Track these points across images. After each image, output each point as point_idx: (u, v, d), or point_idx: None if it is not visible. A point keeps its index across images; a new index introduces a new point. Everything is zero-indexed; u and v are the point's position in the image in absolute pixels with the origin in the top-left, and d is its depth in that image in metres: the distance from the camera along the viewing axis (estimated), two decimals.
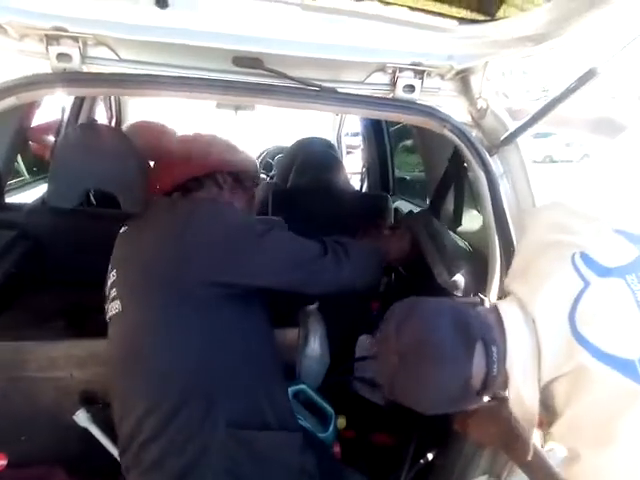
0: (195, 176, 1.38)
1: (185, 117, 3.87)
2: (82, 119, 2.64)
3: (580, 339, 0.83)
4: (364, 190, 3.35)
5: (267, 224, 1.26)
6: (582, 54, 1.17)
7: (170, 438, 1.04)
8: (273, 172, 3.68)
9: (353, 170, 3.75)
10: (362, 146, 3.38)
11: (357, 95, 1.19)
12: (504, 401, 1.05)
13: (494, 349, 0.88)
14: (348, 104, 1.18)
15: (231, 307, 1.16)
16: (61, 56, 1.06)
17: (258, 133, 4.71)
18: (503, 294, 1.27)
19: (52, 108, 2.67)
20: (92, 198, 2.49)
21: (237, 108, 3.44)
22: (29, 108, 1.83)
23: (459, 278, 1.34)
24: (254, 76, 1.17)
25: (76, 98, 2.59)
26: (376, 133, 3.16)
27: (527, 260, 1.02)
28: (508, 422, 1.02)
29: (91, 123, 2.23)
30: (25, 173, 2.77)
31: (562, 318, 0.86)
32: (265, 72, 1.15)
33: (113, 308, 1.18)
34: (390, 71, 1.22)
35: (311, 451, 1.15)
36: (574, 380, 0.83)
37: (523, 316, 0.90)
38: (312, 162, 2.44)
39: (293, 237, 1.27)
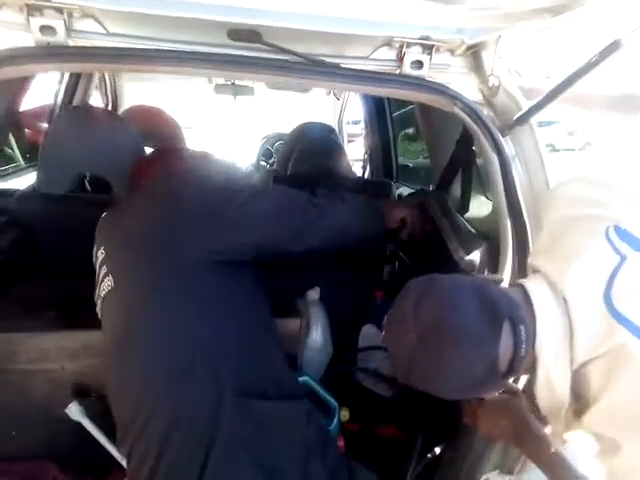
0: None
1: (183, 103, 3.81)
2: (76, 103, 2.56)
3: (618, 317, 0.77)
4: (366, 177, 3.28)
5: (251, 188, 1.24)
6: (602, 26, 1.09)
7: (174, 414, 0.99)
8: (273, 159, 3.61)
9: (355, 158, 3.68)
10: (364, 132, 3.29)
11: (362, 71, 1.12)
12: (516, 392, 1.02)
13: (522, 328, 0.82)
14: (352, 80, 1.11)
15: (227, 276, 1.11)
16: (45, 29, 0.99)
17: (257, 120, 4.63)
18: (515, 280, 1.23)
19: (45, 92, 2.61)
20: (87, 184, 2.42)
21: (236, 93, 3.37)
22: (17, 91, 1.76)
23: (475, 257, 1.28)
24: (251, 51, 1.10)
25: (69, 81, 2.52)
26: (379, 118, 3.08)
27: (554, 236, 0.95)
28: (521, 414, 0.98)
29: (83, 105, 2.16)
30: (20, 159, 2.71)
31: (597, 295, 0.80)
32: (263, 46, 1.08)
33: (105, 286, 1.12)
34: (397, 46, 1.15)
35: (316, 424, 1.12)
36: (612, 362, 0.77)
37: (553, 294, 0.84)
38: (312, 148, 2.36)
39: (281, 189, 1.26)
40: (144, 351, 1.05)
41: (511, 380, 1.01)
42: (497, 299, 0.84)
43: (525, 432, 0.98)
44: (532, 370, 0.85)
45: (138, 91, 3.50)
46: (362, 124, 3.48)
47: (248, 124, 4.63)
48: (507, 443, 1.20)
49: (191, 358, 1.02)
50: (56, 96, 2.52)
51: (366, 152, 3.30)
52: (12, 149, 2.69)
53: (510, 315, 0.82)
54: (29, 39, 1.01)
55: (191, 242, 1.07)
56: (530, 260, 1.00)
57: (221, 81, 3.28)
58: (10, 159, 2.71)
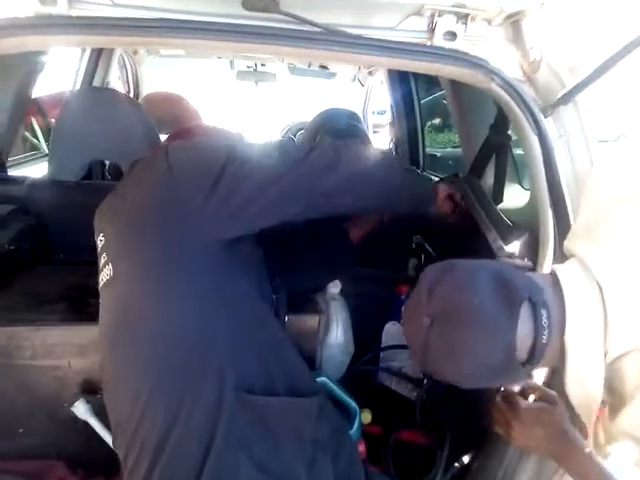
0: None
1: (205, 91, 3.75)
2: None
3: None
4: None
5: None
6: None
7: (171, 410, 0.91)
8: None
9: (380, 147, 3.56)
10: (390, 120, 3.16)
11: (388, 41, 1.01)
12: (554, 400, 0.93)
13: (544, 312, 0.75)
14: (377, 52, 1.00)
15: (233, 267, 1.02)
16: None
17: (280, 109, 4.55)
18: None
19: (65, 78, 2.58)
20: (107, 172, 2.37)
21: (257, 80, 3.30)
22: (29, 75, 1.71)
23: (515, 248, 1.17)
24: (267, 21, 1.00)
25: (88, 65, 2.47)
26: (406, 105, 2.94)
27: (592, 218, 0.87)
28: (559, 424, 0.90)
29: (95, 87, 2.10)
30: (43, 145, 2.69)
31: (637, 283, 0.73)
32: (280, 16, 0.98)
33: (105, 275, 1.04)
34: (428, 14, 1.04)
35: (330, 421, 1.03)
36: None
37: (587, 279, 0.77)
38: (336, 135, 2.26)
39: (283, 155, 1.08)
40: (141, 344, 0.96)
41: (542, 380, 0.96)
42: (516, 280, 0.78)
43: (563, 444, 0.90)
44: (561, 362, 0.78)
45: (160, 78, 3.45)
46: (388, 114, 3.35)
47: (271, 113, 4.55)
48: (543, 455, 1.09)
49: (190, 352, 0.94)
50: (75, 82, 2.48)
51: (391, 141, 3.17)
52: (36, 135, 2.68)
53: (530, 297, 0.75)
54: (29, 10, 0.94)
55: (195, 222, 0.97)
56: (566, 244, 0.91)
57: (243, 67, 3.21)
58: (34, 146, 2.69)
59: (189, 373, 0.92)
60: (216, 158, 1.00)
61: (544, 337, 0.75)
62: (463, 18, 1.04)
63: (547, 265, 1.13)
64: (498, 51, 1.11)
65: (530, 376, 0.87)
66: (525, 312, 0.75)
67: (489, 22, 1.07)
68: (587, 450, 0.87)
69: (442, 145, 3.96)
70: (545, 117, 1.10)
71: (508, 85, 1.05)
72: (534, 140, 1.10)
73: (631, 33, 0.92)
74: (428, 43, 1.06)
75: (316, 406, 0.99)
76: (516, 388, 0.99)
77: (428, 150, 3.09)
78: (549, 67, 1.10)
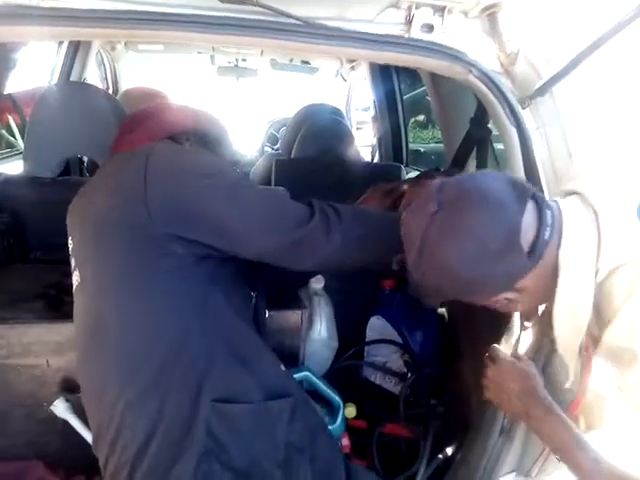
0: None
1: (186, 86, 3.71)
2: None
3: None
4: (376, 162, 3.16)
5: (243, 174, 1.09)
6: None
7: (148, 422, 0.90)
8: (279, 145, 3.50)
9: (364, 144, 3.56)
10: (373, 115, 3.17)
11: (365, 33, 1.01)
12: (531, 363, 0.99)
13: (548, 212, 0.79)
14: (355, 44, 1.00)
15: (206, 274, 0.99)
16: None
17: (263, 105, 4.52)
18: None
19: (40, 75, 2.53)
20: (85, 169, 2.33)
21: (239, 75, 3.28)
22: (0, 71, 1.67)
23: None
24: (245, 14, 0.99)
25: (64, 61, 2.43)
26: (389, 101, 2.95)
27: (588, 163, 0.95)
28: (531, 381, 0.95)
29: (71, 82, 2.07)
30: (20, 143, 2.64)
31: (629, 208, 0.77)
32: (258, 9, 0.97)
33: (75, 280, 1.03)
34: (405, 7, 1.04)
35: (303, 420, 1.01)
36: (638, 270, 0.75)
37: (583, 206, 0.81)
38: (318, 131, 2.25)
39: (274, 194, 1.07)
40: (115, 355, 0.95)
41: None
42: (525, 183, 0.83)
43: (533, 402, 0.93)
44: (552, 285, 0.80)
45: (139, 74, 3.40)
46: (371, 110, 3.35)
47: (254, 109, 4.52)
48: (514, 415, 1.09)
49: (163, 363, 0.93)
50: (51, 78, 2.44)
51: (374, 135, 3.17)
52: (12, 133, 2.63)
53: (536, 198, 0.80)
54: None
55: (161, 236, 0.94)
56: (561, 188, 0.93)
57: (224, 63, 3.18)
58: (10, 144, 2.64)
59: (164, 389, 0.91)
60: (198, 176, 0.98)
61: (546, 233, 0.77)
62: (440, 10, 1.04)
63: None
64: (476, 43, 1.11)
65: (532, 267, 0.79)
66: (531, 207, 0.78)
67: (466, 14, 1.07)
68: (557, 412, 0.90)
69: (427, 141, 3.98)
70: (523, 108, 1.11)
71: (485, 77, 1.05)
72: (512, 131, 1.10)
73: (605, 24, 0.94)
74: (406, 35, 1.05)
75: (289, 408, 0.98)
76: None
77: (412, 146, 3.11)
78: (526, 59, 1.11)
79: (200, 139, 1.20)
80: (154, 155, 0.98)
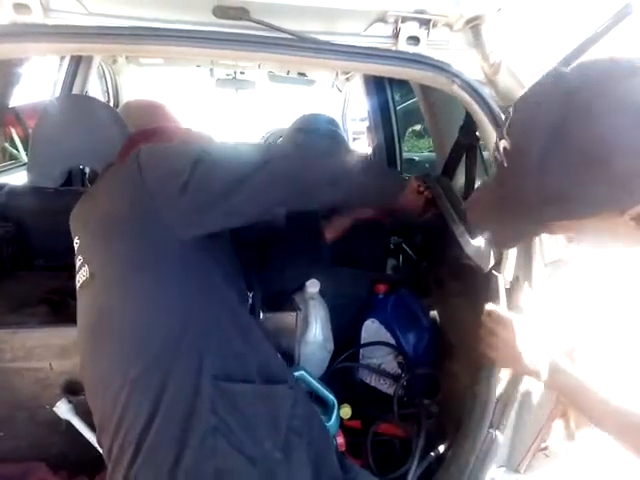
0: None
1: (185, 98, 3.77)
2: None
3: None
4: None
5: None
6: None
7: (151, 402, 0.93)
8: None
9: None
10: (368, 125, 3.23)
11: (354, 46, 1.06)
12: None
13: None
14: (344, 57, 1.05)
15: (208, 261, 1.05)
16: (19, 7, 0.95)
17: (261, 116, 4.59)
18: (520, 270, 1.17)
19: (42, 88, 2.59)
20: (87, 179, 2.38)
21: (237, 87, 3.34)
22: (5, 86, 1.72)
23: (481, 242, 1.22)
24: (239, 28, 1.05)
25: (66, 75, 2.49)
26: (383, 112, 3.01)
27: None
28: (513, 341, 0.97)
29: (73, 95, 2.12)
30: (23, 155, 2.69)
31: None
32: (251, 23, 1.03)
33: (81, 277, 1.07)
34: (392, 21, 1.09)
35: (303, 408, 1.05)
36: None
37: None
38: (313, 140, 2.30)
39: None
40: (120, 341, 0.99)
41: None
42: None
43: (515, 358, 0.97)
44: None
45: (139, 87, 3.47)
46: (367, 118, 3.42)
47: (251, 120, 4.59)
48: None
49: (166, 346, 0.97)
50: (53, 91, 2.50)
51: (369, 145, 3.23)
52: (15, 145, 2.68)
53: None
54: (3, 19, 0.97)
55: (165, 219, 0.99)
56: None
57: (222, 75, 3.24)
58: (13, 156, 2.70)
59: (167, 366, 0.95)
60: (186, 159, 1.01)
61: None
62: (425, 24, 1.09)
63: (511, 256, 1.18)
64: (461, 55, 1.17)
65: None
66: None
67: (450, 27, 1.13)
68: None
69: (423, 150, 4.04)
70: (506, 117, 1.16)
71: (469, 87, 1.10)
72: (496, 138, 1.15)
73: (584, 33, 0.99)
74: (393, 48, 1.11)
75: (292, 394, 1.03)
76: None
77: (406, 155, 3.17)
78: (509, 69, 1.16)
79: None
80: (144, 148, 1.07)
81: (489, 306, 1.07)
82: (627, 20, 0.84)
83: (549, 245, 1.16)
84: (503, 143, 0.74)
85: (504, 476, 1.19)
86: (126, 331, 0.99)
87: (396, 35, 1.10)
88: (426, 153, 3.39)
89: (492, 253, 1.23)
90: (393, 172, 1.25)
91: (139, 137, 1.31)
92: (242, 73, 3.28)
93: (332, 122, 2.59)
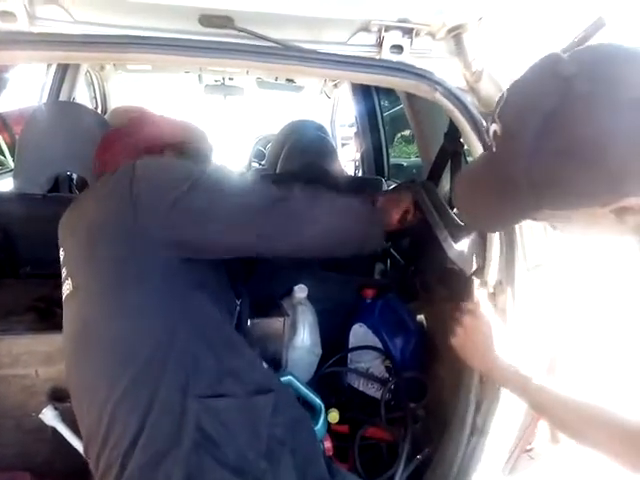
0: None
1: (174, 105, 3.78)
2: None
3: None
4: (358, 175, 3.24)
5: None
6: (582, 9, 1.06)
7: (137, 421, 0.93)
8: (265, 160, 3.58)
9: (350, 159, 3.64)
10: (356, 131, 3.26)
11: (338, 55, 1.08)
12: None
13: None
14: (328, 65, 1.07)
15: (187, 276, 1.05)
16: (4, 15, 0.94)
17: (251, 122, 4.60)
18: (503, 274, 1.19)
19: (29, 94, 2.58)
20: (74, 185, 2.38)
21: (226, 93, 3.35)
22: None
23: (464, 247, 1.24)
24: (224, 37, 1.06)
25: (53, 82, 2.48)
26: (370, 118, 3.05)
27: None
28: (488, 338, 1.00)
29: (60, 101, 2.12)
30: (9, 161, 2.68)
31: None
32: (236, 32, 1.04)
33: (66, 289, 1.07)
34: (375, 30, 1.10)
35: (285, 416, 1.06)
36: None
37: None
38: (302, 146, 2.33)
39: (251, 181, 1.16)
40: (104, 353, 1.00)
41: None
42: None
43: (487, 359, 0.99)
44: None
45: (127, 93, 3.46)
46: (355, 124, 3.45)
47: (241, 126, 4.60)
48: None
49: (150, 363, 0.97)
50: (41, 97, 2.49)
51: (357, 150, 3.26)
52: (2, 151, 2.67)
53: None
54: None
55: (149, 240, 1.01)
56: None
57: (211, 82, 3.25)
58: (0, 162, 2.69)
59: (153, 383, 0.95)
60: (180, 181, 1.03)
61: None
62: (408, 33, 1.11)
63: (494, 260, 1.20)
64: (443, 63, 1.19)
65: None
66: None
67: (433, 36, 1.14)
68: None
69: (411, 155, 4.07)
70: (488, 124, 1.18)
71: (451, 94, 1.12)
72: (478, 145, 1.17)
73: (561, 43, 1.01)
74: (377, 57, 1.12)
75: (271, 403, 1.03)
76: None
77: (394, 160, 3.19)
78: (490, 77, 1.17)
79: (178, 151, 1.28)
80: (139, 165, 1.06)
81: (470, 305, 1.10)
82: (600, 32, 0.86)
83: (531, 249, 1.18)
84: (494, 127, 0.73)
85: (489, 478, 1.20)
86: (110, 344, 0.99)
87: (380, 44, 1.11)
88: (414, 158, 3.41)
89: (475, 257, 1.25)
90: (364, 204, 1.22)
91: (107, 142, 1.31)
92: (231, 79, 3.30)
93: (320, 129, 2.63)
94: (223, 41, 1.04)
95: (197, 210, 1.03)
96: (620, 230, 0.71)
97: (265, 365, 1.12)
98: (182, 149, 1.31)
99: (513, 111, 0.70)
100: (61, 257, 1.12)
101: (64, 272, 1.09)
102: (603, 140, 0.62)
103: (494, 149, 0.74)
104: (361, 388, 1.75)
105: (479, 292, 1.14)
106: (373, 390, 1.70)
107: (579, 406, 0.83)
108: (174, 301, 1.01)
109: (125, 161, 1.13)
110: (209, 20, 1.04)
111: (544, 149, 0.65)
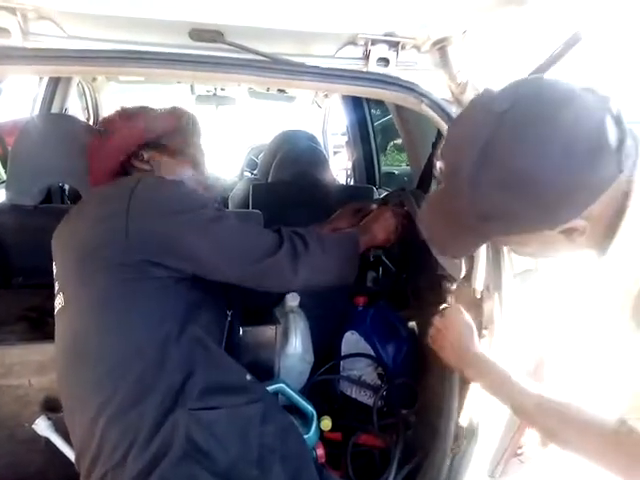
0: (113, 169, 1.24)
1: None
2: None
3: None
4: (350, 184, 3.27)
5: (219, 209, 1.17)
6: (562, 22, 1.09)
7: (132, 433, 0.95)
8: (257, 169, 3.60)
9: (342, 167, 3.67)
10: (347, 140, 3.29)
11: (326, 68, 1.11)
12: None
13: (627, 126, 0.68)
14: (317, 78, 1.10)
15: (177, 293, 1.07)
16: None
17: (243, 132, 4.63)
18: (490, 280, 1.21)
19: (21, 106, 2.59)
20: (66, 196, 2.39)
21: (217, 103, 3.38)
22: None
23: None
24: (215, 51, 1.08)
25: (46, 93, 2.50)
26: (361, 127, 3.08)
27: None
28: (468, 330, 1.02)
29: (51, 114, 2.14)
30: (1, 172, 2.68)
31: None
32: (226, 46, 1.07)
33: (58, 303, 1.09)
34: (362, 43, 1.14)
35: (274, 424, 1.08)
36: None
37: None
38: (294, 155, 2.35)
39: (246, 228, 1.16)
40: (93, 369, 1.01)
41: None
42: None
43: (463, 357, 1.01)
44: (617, 218, 0.70)
45: (120, 104, 3.47)
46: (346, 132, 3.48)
47: (234, 136, 4.63)
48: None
49: (141, 379, 0.99)
50: (32, 109, 2.50)
51: (348, 159, 3.29)
52: None
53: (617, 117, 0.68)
54: None
55: (140, 261, 1.02)
56: None
57: (203, 92, 3.28)
58: None
59: (144, 403, 0.97)
60: (174, 212, 1.06)
61: (629, 143, 0.67)
62: (394, 46, 1.14)
63: (481, 266, 1.22)
64: (429, 75, 1.22)
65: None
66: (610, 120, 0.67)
67: (418, 49, 1.18)
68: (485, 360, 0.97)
69: (403, 163, 4.11)
70: None
71: (436, 105, 1.15)
72: None
73: (543, 56, 1.05)
74: (364, 69, 1.15)
75: (260, 412, 1.05)
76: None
77: (385, 168, 3.22)
78: (475, 88, 1.21)
79: (159, 150, 1.24)
80: (137, 190, 1.05)
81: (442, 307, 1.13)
82: (577, 47, 0.89)
83: (517, 256, 1.20)
84: (439, 164, 0.78)
85: None
86: (100, 360, 1.01)
87: (366, 57, 1.14)
88: (405, 167, 3.45)
89: (463, 263, 1.27)
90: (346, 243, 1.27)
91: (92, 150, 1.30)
92: (222, 90, 3.33)
93: (312, 139, 2.65)
94: (213, 55, 1.06)
95: (183, 245, 1.06)
96: (574, 248, 0.76)
97: (249, 377, 1.13)
98: (161, 147, 1.26)
99: (453, 147, 0.75)
100: (54, 270, 1.13)
101: (56, 286, 1.11)
102: (533, 172, 0.66)
103: (442, 185, 0.79)
104: (354, 395, 1.76)
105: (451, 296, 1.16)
106: (366, 397, 1.71)
107: (558, 405, 0.84)
108: (165, 320, 1.03)
109: (110, 167, 1.17)
110: (199, 34, 1.06)
111: (482, 181, 0.69)
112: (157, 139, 1.25)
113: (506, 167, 0.67)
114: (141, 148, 1.23)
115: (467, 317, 1.07)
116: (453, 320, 1.06)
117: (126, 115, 1.28)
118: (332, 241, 1.23)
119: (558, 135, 0.65)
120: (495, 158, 0.68)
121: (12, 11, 0.95)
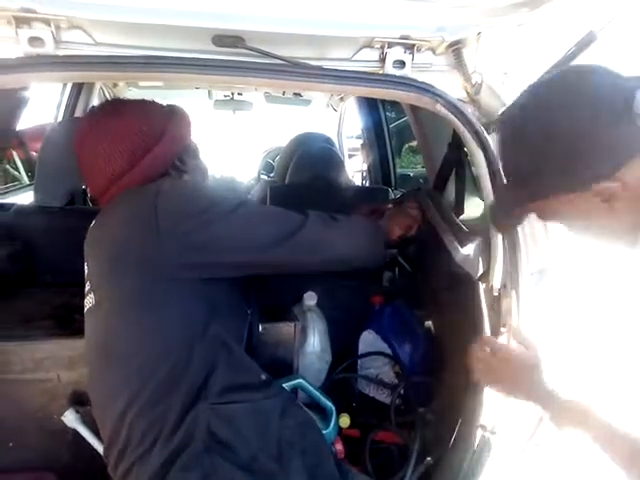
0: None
1: None
2: None
3: None
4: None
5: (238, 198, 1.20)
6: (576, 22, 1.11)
7: (158, 426, 1.00)
8: (274, 172, 3.64)
9: (357, 170, 3.70)
10: (362, 142, 3.32)
11: (343, 71, 1.14)
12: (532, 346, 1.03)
13: None
14: (334, 80, 1.12)
15: (203, 293, 1.11)
16: (33, 40, 1.02)
17: (260, 135, 4.68)
18: (508, 278, 1.22)
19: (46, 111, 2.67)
20: (89, 198, 2.45)
21: (235, 108, 3.43)
22: (13, 108, 1.80)
23: (469, 251, 1.28)
24: (236, 55, 1.12)
25: (69, 99, 2.57)
26: (376, 129, 3.10)
27: None
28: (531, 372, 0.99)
29: (77, 118, 2.20)
30: (24, 176, 2.77)
31: None
32: (247, 51, 1.10)
33: (88, 302, 1.14)
34: (378, 46, 1.17)
35: (293, 419, 1.11)
36: None
37: None
38: (310, 158, 2.38)
39: (272, 208, 1.21)
40: (124, 366, 1.05)
41: None
42: None
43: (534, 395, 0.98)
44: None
45: None
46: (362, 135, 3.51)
47: (250, 139, 4.68)
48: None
49: (168, 375, 1.03)
50: (56, 115, 2.58)
51: (364, 161, 3.31)
52: (17, 167, 2.76)
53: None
54: (19, 51, 1.04)
55: (170, 262, 1.07)
56: None
57: (220, 97, 3.33)
58: (14, 178, 2.77)
59: (168, 399, 1.01)
60: (200, 211, 1.10)
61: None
62: (410, 48, 1.16)
63: (498, 265, 1.24)
64: (444, 76, 1.24)
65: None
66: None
67: (434, 51, 1.20)
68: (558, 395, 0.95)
69: (419, 165, 4.12)
70: (488, 133, 1.22)
71: (452, 106, 1.17)
72: (479, 154, 1.22)
73: (558, 54, 1.06)
74: (380, 72, 1.18)
75: (279, 407, 1.08)
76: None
77: (400, 170, 3.24)
78: (490, 88, 1.23)
79: (180, 171, 1.28)
80: (163, 192, 1.11)
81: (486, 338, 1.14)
82: (592, 46, 0.91)
83: (534, 254, 1.22)
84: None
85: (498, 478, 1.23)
86: (130, 358, 1.06)
87: (383, 59, 1.17)
88: (420, 169, 3.47)
89: (481, 261, 1.29)
90: (369, 228, 1.31)
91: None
92: (240, 94, 3.37)
93: (328, 140, 2.68)
94: (234, 60, 1.10)
95: (215, 239, 1.10)
96: (614, 222, 0.80)
97: (264, 376, 1.16)
98: (182, 168, 1.28)
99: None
100: (86, 270, 1.18)
101: (87, 286, 1.15)
102: (560, 131, 0.76)
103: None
104: (371, 394, 1.77)
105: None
106: (384, 396, 1.73)
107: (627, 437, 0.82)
108: (193, 320, 1.08)
109: (111, 173, 1.19)
110: (221, 40, 1.10)
111: (519, 147, 0.84)
112: (177, 161, 1.28)
113: (541, 130, 0.79)
114: (167, 167, 1.26)
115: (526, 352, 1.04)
116: (518, 352, 1.03)
117: (105, 119, 1.25)
118: (358, 219, 1.31)
119: (587, 97, 0.76)
120: (528, 124, 0.81)
121: (47, 22, 1.00)
